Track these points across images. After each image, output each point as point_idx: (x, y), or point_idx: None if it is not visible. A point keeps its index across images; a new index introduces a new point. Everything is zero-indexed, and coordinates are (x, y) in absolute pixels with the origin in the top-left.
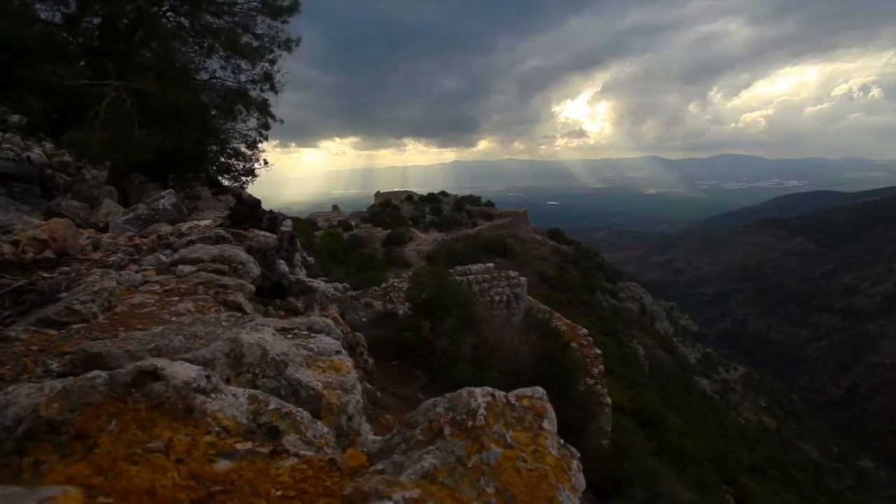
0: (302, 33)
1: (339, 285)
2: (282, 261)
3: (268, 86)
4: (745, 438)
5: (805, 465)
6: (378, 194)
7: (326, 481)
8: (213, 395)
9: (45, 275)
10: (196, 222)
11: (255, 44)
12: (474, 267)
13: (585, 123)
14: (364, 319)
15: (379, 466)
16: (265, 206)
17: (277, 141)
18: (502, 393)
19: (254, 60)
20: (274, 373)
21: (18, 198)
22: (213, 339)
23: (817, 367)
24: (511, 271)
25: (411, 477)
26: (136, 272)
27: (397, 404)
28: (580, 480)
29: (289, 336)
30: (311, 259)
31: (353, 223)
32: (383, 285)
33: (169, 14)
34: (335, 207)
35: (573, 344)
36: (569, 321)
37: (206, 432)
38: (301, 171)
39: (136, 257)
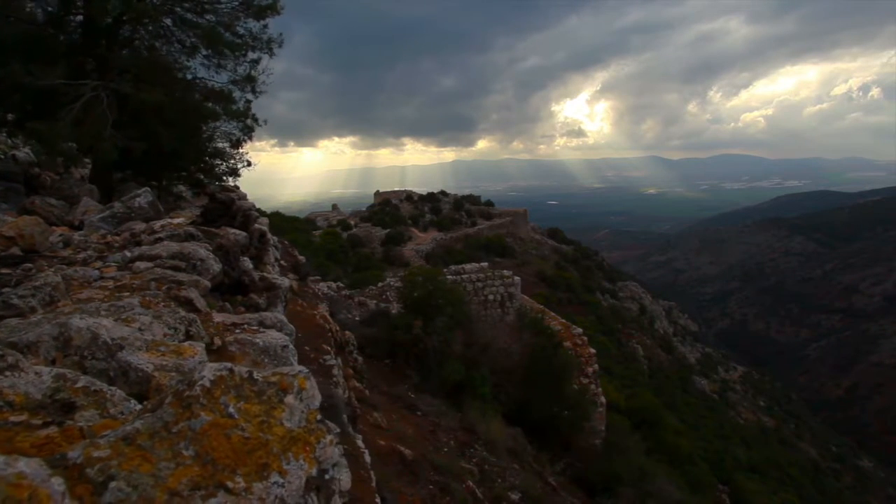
0: (299, 31)
1: (333, 284)
2: (246, 258)
3: (249, 88)
4: (743, 438)
5: (804, 464)
6: (377, 193)
7: (62, 447)
8: (7, 373)
9: (6, 271)
10: (170, 220)
11: (238, 41)
12: (468, 266)
13: (585, 123)
14: (357, 318)
15: (107, 433)
16: (265, 206)
17: (276, 140)
18: (245, 369)
19: (235, 60)
20: (104, 355)
21: (1, 196)
22: None
23: (817, 366)
24: (505, 270)
25: (110, 439)
26: (97, 269)
27: (387, 403)
28: (328, 454)
29: (237, 331)
30: (302, 258)
31: (352, 222)
32: (379, 284)
33: (152, 13)
34: (334, 207)
35: (567, 343)
36: (564, 320)
37: None
38: (300, 170)
39: (106, 255)
